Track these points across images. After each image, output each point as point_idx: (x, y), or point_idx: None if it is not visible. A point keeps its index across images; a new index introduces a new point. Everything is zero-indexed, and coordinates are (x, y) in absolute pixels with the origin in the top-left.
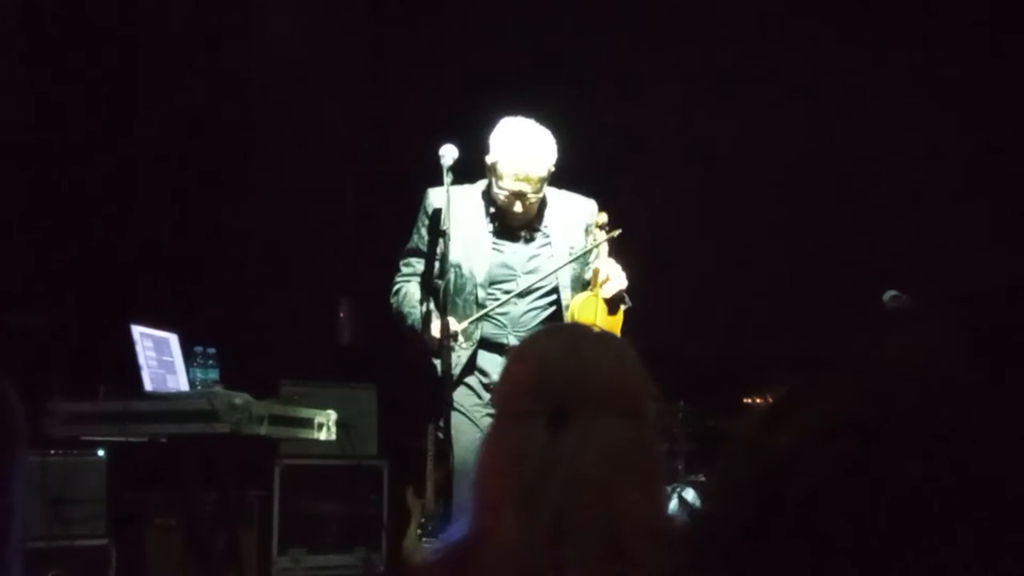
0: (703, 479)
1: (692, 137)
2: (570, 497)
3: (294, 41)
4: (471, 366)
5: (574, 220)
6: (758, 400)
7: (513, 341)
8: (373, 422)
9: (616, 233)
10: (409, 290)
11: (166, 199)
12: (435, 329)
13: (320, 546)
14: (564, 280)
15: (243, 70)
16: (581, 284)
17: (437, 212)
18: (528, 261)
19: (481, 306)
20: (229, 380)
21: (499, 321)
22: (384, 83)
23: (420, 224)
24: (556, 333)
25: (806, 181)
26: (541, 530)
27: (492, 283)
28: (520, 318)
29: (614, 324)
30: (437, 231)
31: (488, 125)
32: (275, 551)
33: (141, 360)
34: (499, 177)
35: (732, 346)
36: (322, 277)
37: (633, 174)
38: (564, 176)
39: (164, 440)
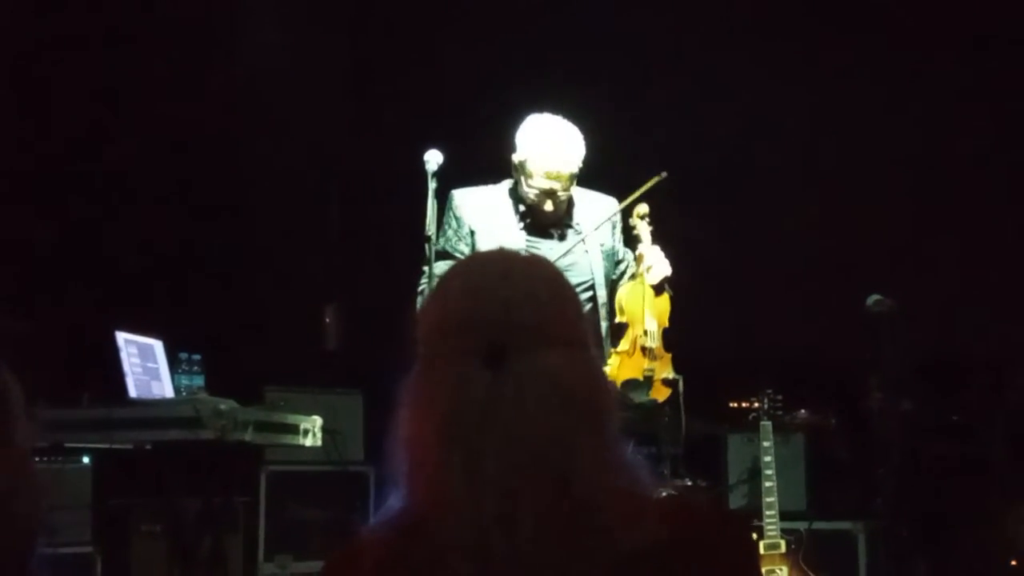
0: (688, 483)
1: (691, 138)
2: (518, 446)
3: (278, 48)
4: None
5: (602, 217)
6: (744, 404)
7: None
8: (359, 428)
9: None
10: None
11: (151, 206)
12: None
13: (306, 552)
14: (599, 277)
15: (227, 78)
16: (610, 282)
17: (469, 214)
18: (563, 258)
19: None
20: (214, 386)
21: None
22: (368, 89)
23: (447, 227)
24: (483, 259)
25: (791, 186)
26: (489, 489)
27: None
28: None
29: (663, 309)
30: (468, 235)
31: (473, 130)
32: (261, 557)
33: (126, 367)
34: (528, 175)
35: (717, 350)
36: (307, 283)
37: (631, 175)
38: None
39: (149, 447)
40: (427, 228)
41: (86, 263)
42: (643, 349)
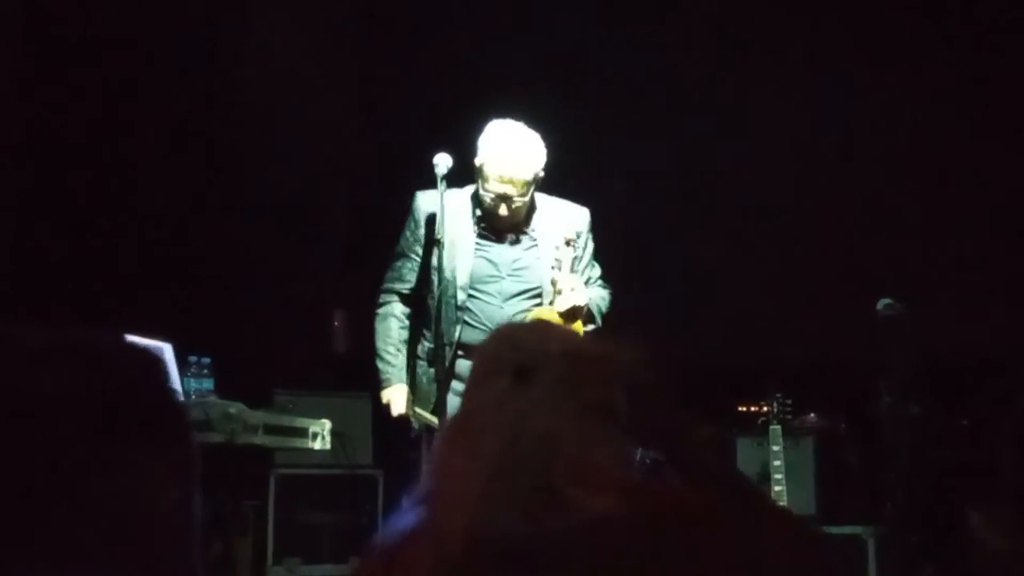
0: None
1: (690, 140)
2: (540, 451)
3: (287, 52)
4: (452, 373)
5: (563, 226)
6: (753, 408)
7: None
8: (368, 431)
9: (573, 254)
10: (389, 325)
11: (160, 209)
12: (387, 396)
13: (315, 556)
14: (548, 285)
15: (237, 80)
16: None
17: (429, 217)
18: (513, 263)
19: (460, 309)
20: (224, 390)
21: (482, 326)
22: (377, 92)
23: (407, 229)
24: (523, 322)
25: (801, 187)
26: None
27: (475, 284)
28: (503, 322)
29: None
30: (428, 238)
31: (481, 133)
32: (270, 560)
33: None
34: (484, 179)
35: (727, 354)
36: (316, 287)
37: (630, 177)
38: (562, 180)
39: None
40: (436, 232)
41: (94, 266)
42: None
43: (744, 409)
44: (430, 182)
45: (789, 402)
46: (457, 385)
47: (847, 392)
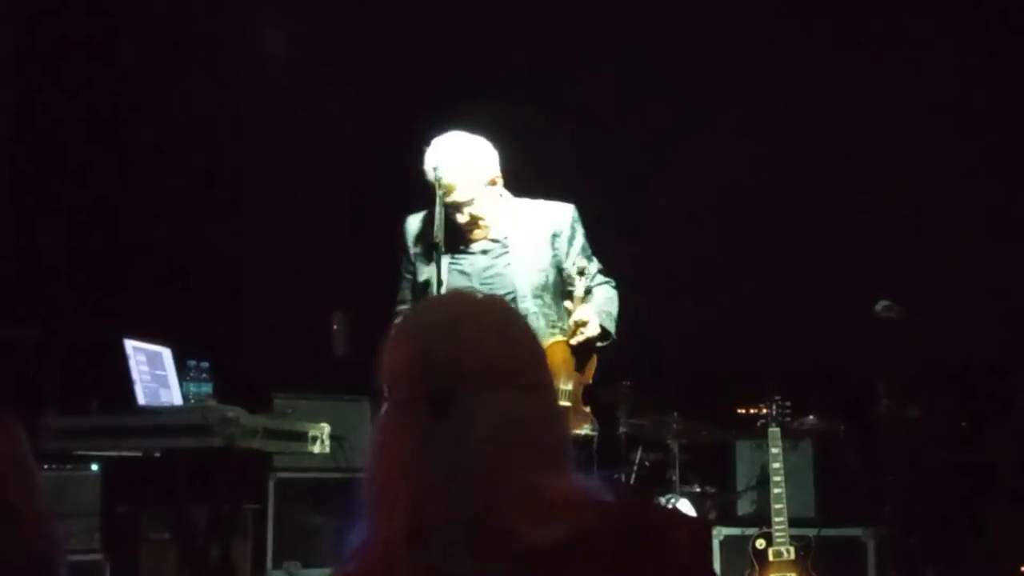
0: (696, 489)
1: (691, 143)
2: (454, 485)
3: (286, 53)
4: None
5: (537, 228)
6: (753, 411)
7: None
8: (367, 435)
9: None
10: None
11: (158, 212)
12: None
13: (314, 559)
14: (523, 289)
15: (235, 82)
16: (555, 290)
17: (415, 238)
18: (484, 271)
19: None
20: (222, 394)
21: None
22: (377, 94)
23: (402, 253)
24: (434, 307)
25: (799, 190)
26: (428, 522)
27: None
28: None
29: (587, 367)
30: (417, 259)
31: (482, 134)
32: (269, 564)
33: (134, 374)
34: (437, 194)
35: (726, 356)
36: (315, 290)
37: (631, 180)
38: (565, 181)
39: (157, 454)
40: (435, 235)
41: (94, 270)
42: None
43: (743, 411)
44: (430, 185)
45: (788, 404)
46: None
47: (846, 394)
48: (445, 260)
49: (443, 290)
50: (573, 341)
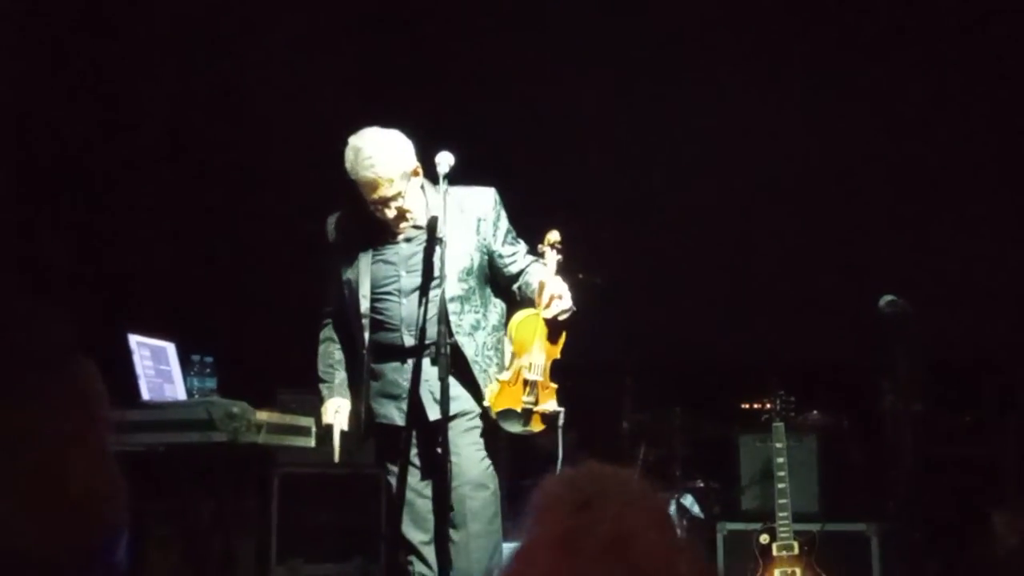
0: (700, 485)
1: (690, 143)
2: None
3: (290, 54)
4: (372, 375)
5: (461, 213)
6: (757, 406)
7: (408, 340)
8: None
9: (558, 257)
10: (325, 348)
11: (163, 207)
12: (325, 412)
13: (318, 555)
14: (450, 273)
15: (241, 81)
16: (480, 273)
17: (334, 240)
18: (410, 259)
19: (364, 316)
20: (226, 389)
21: (391, 323)
22: (379, 93)
23: (325, 258)
24: (577, 468)
25: (803, 184)
26: None
27: (376, 287)
28: (410, 316)
29: (552, 350)
30: (334, 259)
31: (484, 132)
32: (273, 560)
33: (138, 369)
34: (360, 191)
35: (730, 351)
36: (319, 286)
37: (632, 179)
38: (564, 179)
39: (162, 449)
40: (438, 230)
41: (98, 266)
42: (525, 381)
43: (747, 407)
44: (433, 181)
45: (792, 400)
46: (375, 385)
47: (850, 389)
48: (369, 254)
49: (360, 287)
50: (547, 314)
